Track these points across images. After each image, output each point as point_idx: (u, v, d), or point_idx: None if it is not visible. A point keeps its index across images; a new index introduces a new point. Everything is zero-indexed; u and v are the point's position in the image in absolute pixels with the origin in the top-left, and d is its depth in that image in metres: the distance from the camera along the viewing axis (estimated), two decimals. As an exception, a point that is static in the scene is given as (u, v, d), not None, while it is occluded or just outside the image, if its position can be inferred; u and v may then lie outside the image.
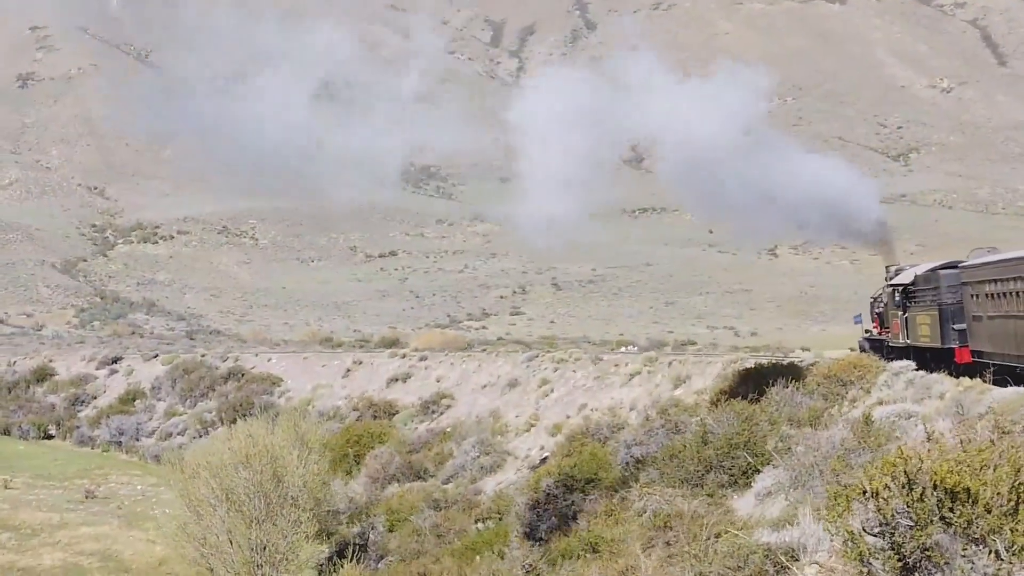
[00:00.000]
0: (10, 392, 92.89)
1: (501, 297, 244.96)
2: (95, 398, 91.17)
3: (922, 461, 13.89)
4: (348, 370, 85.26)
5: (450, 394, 74.97)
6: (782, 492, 32.95)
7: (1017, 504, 13.40)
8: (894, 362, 42.39)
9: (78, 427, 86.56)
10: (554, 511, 42.14)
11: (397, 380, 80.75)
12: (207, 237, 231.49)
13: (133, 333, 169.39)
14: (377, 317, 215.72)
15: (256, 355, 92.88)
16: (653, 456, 42.94)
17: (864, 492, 14.52)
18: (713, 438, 39.84)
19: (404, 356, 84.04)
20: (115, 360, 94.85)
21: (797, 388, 42.57)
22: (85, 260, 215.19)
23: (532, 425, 64.76)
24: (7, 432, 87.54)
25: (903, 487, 13.80)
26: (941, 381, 36.75)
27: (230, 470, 48.15)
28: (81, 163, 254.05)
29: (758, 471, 36.74)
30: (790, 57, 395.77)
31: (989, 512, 13.34)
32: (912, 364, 40.91)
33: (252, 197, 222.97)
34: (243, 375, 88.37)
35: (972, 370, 34.15)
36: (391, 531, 54.25)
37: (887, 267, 44.79)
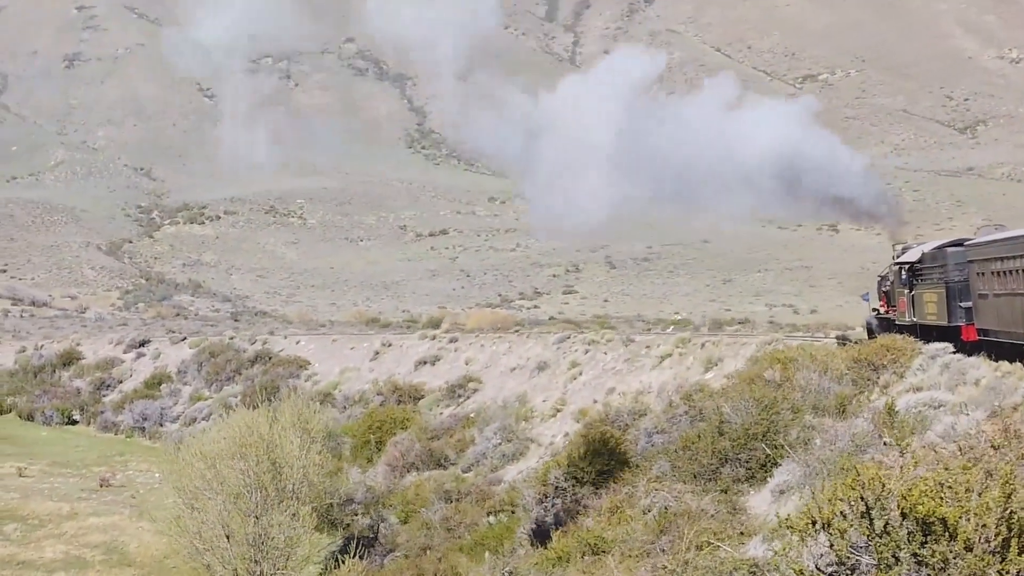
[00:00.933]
0: (36, 376, 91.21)
1: (553, 276, 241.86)
2: (121, 382, 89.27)
3: (883, 486, 10.60)
4: (376, 353, 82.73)
5: (477, 377, 72.22)
6: (797, 490, 29.86)
7: (1007, 540, 10.21)
8: (931, 344, 39.04)
9: (102, 412, 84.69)
10: (562, 506, 39.14)
11: (426, 363, 78.12)
12: (254, 217, 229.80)
13: (177, 315, 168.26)
14: (426, 297, 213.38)
15: (285, 337, 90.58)
16: (667, 446, 39.93)
17: (813, 523, 11.33)
18: (729, 428, 36.68)
19: (434, 338, 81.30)
20: (142, 343, 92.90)
21: (824, 372, 39.25)
22: (130, 241, 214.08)
23: (558, 410, 61.82)
24: (31, 418, 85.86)
25: (862, 516, 10.62)
26: (977, 366, 33.40)
27: (226, 460, 45.69)
28: (128, 143, 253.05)
29: (777, 464, 33.61)
30: (852, 28, 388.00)
31: (970, 550, 10.22)
32: (950, 347, 37.64)
33: (301, 176, 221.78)
34: (270, 358, 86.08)
35: (978, 348, 33.91)
36: (404, 523, 51.54)
37: (894, 245, 45.39)
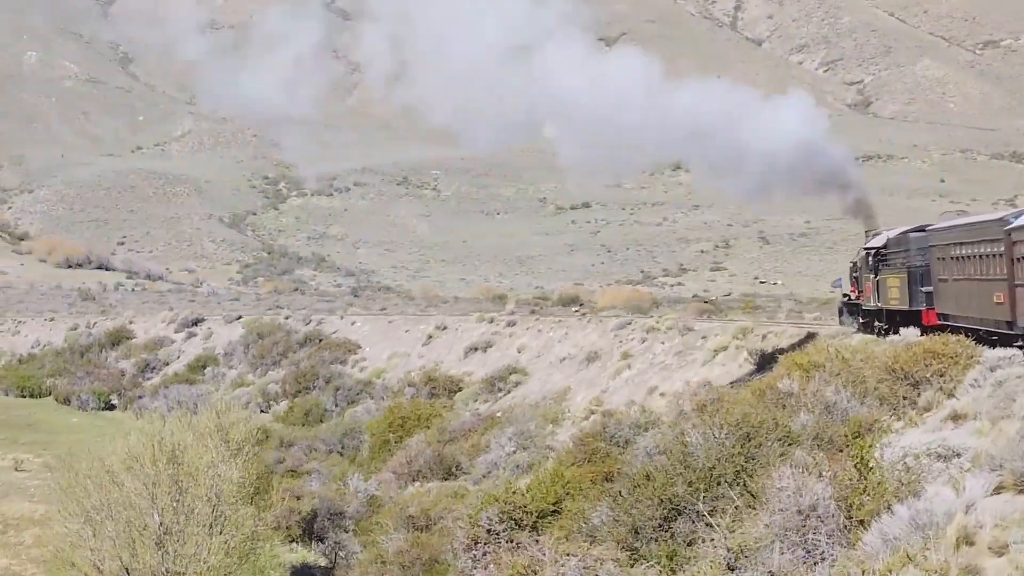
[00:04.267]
0: (82, 356, 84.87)
1: (701, 251, 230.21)
2: (167, 364, 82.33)
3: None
4: (430, 337, 73.99)
5: (522, 369, 63.08)
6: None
7: None
8: (996, 350, 28.25)
9: (140, 397, 77.77)
10: (493, 558, 29.49)
11: (476, 350, 69.28)
12: (385, 189, 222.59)
13: (295, 289, 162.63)
14: (563, 272, 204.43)
15: (341, 318, 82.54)
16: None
17: None
18: (695, 463, 26.53)
19: (492, 321, 72.12)
20: (195, 322, 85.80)
21: (851, 385, 28.80)
22: (255, 214, 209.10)
23: (592, 412, 52.03)
24: (67, 402, 79.43)
25: None
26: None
27: (120, 476, 37.36)
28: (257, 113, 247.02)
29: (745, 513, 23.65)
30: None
31: None
32: (1018, 355, 26.94)
33: (438, 146, 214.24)
34: (320, 341, 78.00)
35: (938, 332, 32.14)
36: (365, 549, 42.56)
37: (866, 232, 45.13)
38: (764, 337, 49.70)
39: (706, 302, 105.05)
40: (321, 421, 67.49)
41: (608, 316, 67.25)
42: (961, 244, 31.31)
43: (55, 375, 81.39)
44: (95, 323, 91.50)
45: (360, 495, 51.96)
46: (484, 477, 49.55)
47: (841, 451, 26.71)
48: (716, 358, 50.46)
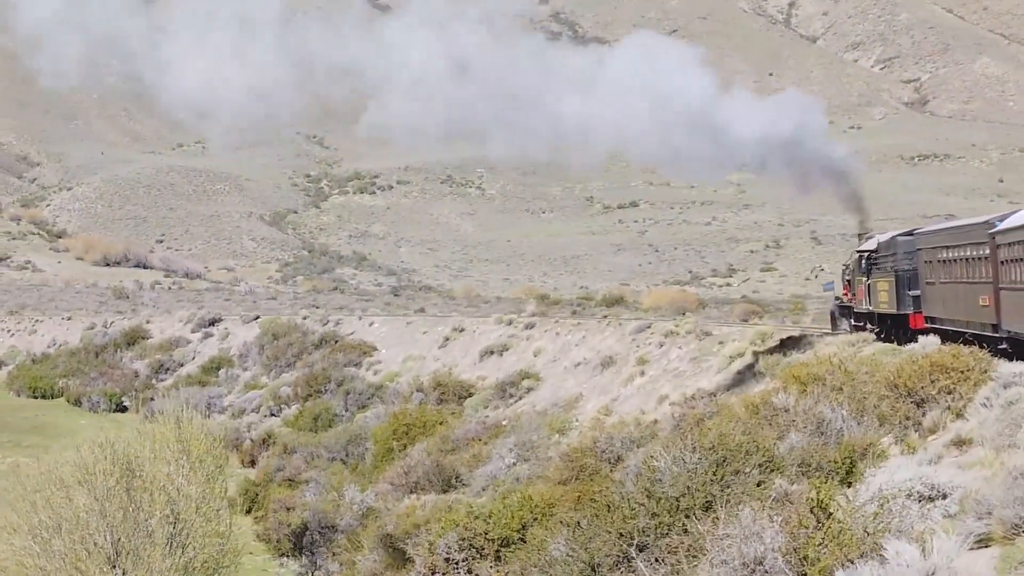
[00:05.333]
0: (97, 356, 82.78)
1: (751, 252, 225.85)
2: (181, 365, 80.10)
3: None
4: (446, 339, 71.19)
5: (536, 374, 60.19)
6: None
7: None
8: (1011, 363, 25.08)
9: (152, 399, 75.43)
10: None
11: (492, 353, 66.42)
12: (429, 187, 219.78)
13: (335, 288, 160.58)
14: (609, 272, 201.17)
15: (359, 318, 79.90)
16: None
17: None
18: (661, 492, 23.45)
19: (510, 323, 69.22)
20: (212, 322, 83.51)
21: (850, 402, 25.66)
22: (295, 212, 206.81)
23: (601, 421, 48.89)
24: (78, 403, 77.37)
25: None
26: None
27: (71, 489, 34.87)
28: (300, 110, 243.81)
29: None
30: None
31: None
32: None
33: (482, 143, 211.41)
34: (336, 342, 75.43)
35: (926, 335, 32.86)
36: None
37: (859, 235, 45.97)
38: (782, 343, 46.46)
39: (752, 303, 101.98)
40: (331, 426, 64.92)
41: (628, 319, 64.22)
42: (947, 248, 31.48)
43: (68, 376, 79.42)
44: (112, 322, 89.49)
45: (356, 507, 49.29)
46: (484, 490, 46.73)
47: (830, 479, 23.57)
48: (732, 365, 47.27)
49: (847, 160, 50.61)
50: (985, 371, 24.95)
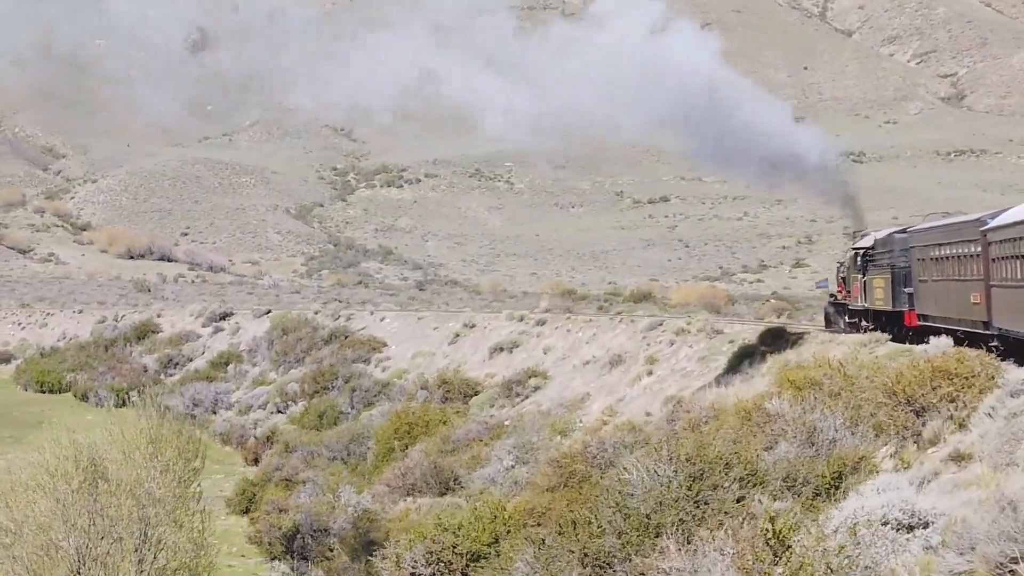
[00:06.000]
0: (106, 350, 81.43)
1: (783, 248, 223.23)
2: (191, 360, 78.66)
3: None
4: (456, 335, 69.42)
5: (543, 372, 58.32)
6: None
7: None
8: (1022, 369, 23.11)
9: (159, 395, 73.96)
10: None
11: (502, 350, 64.65)
12: (457, 181, 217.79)
13: (360, 283, 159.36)
14: (638, 268, 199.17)
15: (371, 313, 78.28)
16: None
17: None
18: (632, 507, 21.58)
19: (522, 319, 67.38)
20: (223, 316, 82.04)
21: (831, 410, 23.68)
22: (322, 205, 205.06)
23: (604, 423, 47.01)
24: (85, 398, 76.08)
25: None
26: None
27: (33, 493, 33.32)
28: (330, 103, 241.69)
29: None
30: None
31: None
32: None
33: (510, 139, 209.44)
34: (346, 337, 73.81)
35: (921, 333, 33.48)
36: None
37: (854, 232, 45.43)
38: (794, 343, 44.38)
39: (781, 299, 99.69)
40: (335, 424, 63.26)
41: (641, 315, 62.23)
42: (940, 245, 31.52)
43: (76, 370, 78.12)
44: (122, 316, 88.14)
45: (351, 509, 47.55)
46: (481, 493, 44.91)
47: (817, 495, 21.64)
48: (741, 365, 45.24)
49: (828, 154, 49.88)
50: (992, 377, 22.95)
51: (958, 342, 28.66)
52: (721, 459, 21.71)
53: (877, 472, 20.88)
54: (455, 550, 25.25)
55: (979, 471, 18.30)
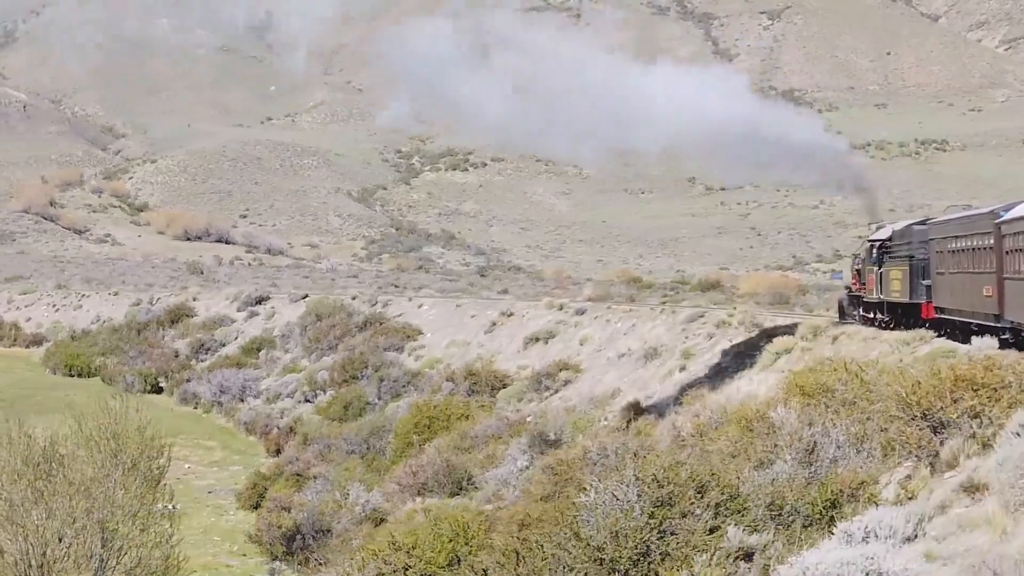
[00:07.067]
0: (139, 334, 79.23)
1: (859, 237, 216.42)
2: (223, 345, 76.24)
3: None
4: (493, 324, 66.33)
5: (576, 365, 55.02)
6: None
7: None
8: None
9: (188, 380, 71.86)
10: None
11: (538, 340, 61.42)
12: (524, 165, 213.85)
13: (420, 267, 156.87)
14: (708, 256, 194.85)
15: (409, 299, 75.38)
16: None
17: None
18: (588, 533, 18.30)
19: (561, 308, 64.12)
20: (259, 301, 79.52)
21: (833, 422, 20.21)
22: (385, 188, 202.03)
23: (629, 421, 43.61)
24: (112, 383, 73.98)
25: None
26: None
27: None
28: (396, 84, 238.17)
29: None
30: None
31: None
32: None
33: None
34: (381, 324, 70.97)
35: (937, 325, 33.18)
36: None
37: (870, 224, 45.80)
38: (836, 339, 40.73)
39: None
40: (361, 415, 60.41)
41: (685, 306, 58.78)
42: (956, 237, 31.51)
43: (107, 353, 75.94)
44: (157, 299, 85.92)
45: (359, 508, 44.61)
46: (494, 495, 41.78)
47: (809, 526, 18.16)
48: (777, 362, 41.61)
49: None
50: (1016, 386, 19.33)
51: (971, 335, 28.91)
52: (694, 480, 18.31)
53: (877, 502, 17.38)
54: (407, 571, 22.09)
55: (991, 508, 14.81)
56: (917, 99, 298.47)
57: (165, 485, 33.07)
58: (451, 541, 23.02)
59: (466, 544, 22.99)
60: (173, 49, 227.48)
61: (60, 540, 30.49)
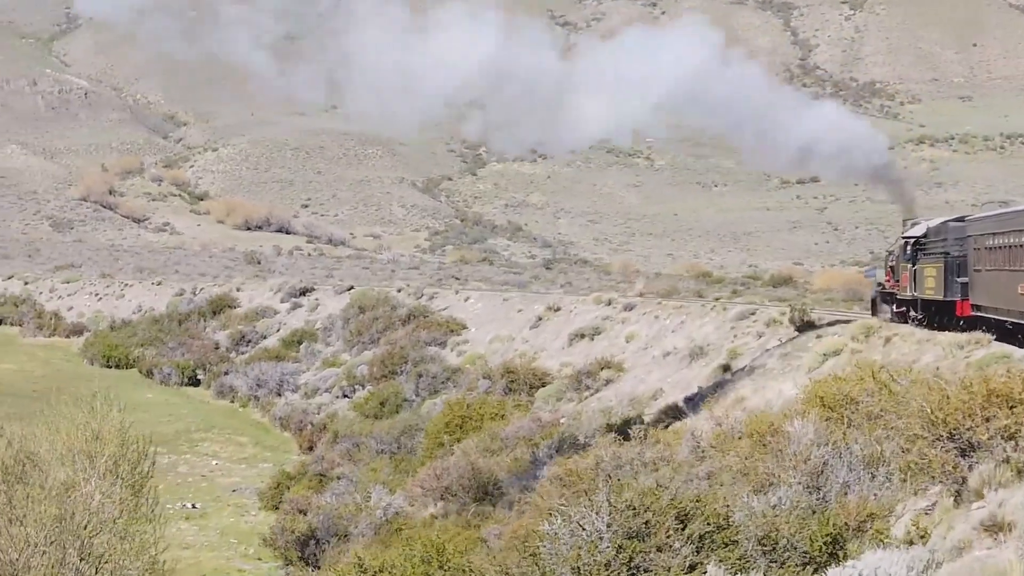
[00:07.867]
0: (180, 325, 77.63)
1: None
2: (264, 337, 74.41)
3: None
4: (539, 319, 63.83)
5: (618, 364, 52.30)
6: None
7: None
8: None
9: (226, 373, 70.12)
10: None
11: (583, 336, 58.86)
12: (594, 156, 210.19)
13: (484, 259, 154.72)
14: (782, 251, 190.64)
15: (456, 292, 73.08)
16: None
17: None
18: (549, 568, 15.70)
19: (609, 303, 61.48)
20: (303, 292, 77.61)
21: (846, 442, 17.42)
22: (450, 179, 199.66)
23: (667, 425, 40.98)
24: (150, 374, 72.43)
25: None
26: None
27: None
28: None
29: None
30: None
31: None
32: None
33: (655, 112, 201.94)
34: (425, 317, 68.73)
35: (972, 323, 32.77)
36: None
37: (904, 220, 44.69)
38: (888, 340, 37.72)
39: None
40: (397, 412, 58.18)
41: (737, 303, 55.90)
42: (994, 234, 31.27)
43: (146, 344, 74.34)
44: (200, 289, 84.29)
45: (380, 512, 42.30)
46: (517, 503, 39.19)
47: (804, 566, 15.38)
48: (825, 364, 38.68)
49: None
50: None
51: (1006, 333, 28.71)
52: (675, 507, 15.62)
53: (884, 540, 14.59)
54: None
55: (1009, 556, 12.02)
56: (1004, 92, 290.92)
57: (150, 490, 31.06)
58: (424, 563, 20.55)
59: (441, 568, 20.48)
60: (240, 37, 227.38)
61: (31, 547, 28.59)
